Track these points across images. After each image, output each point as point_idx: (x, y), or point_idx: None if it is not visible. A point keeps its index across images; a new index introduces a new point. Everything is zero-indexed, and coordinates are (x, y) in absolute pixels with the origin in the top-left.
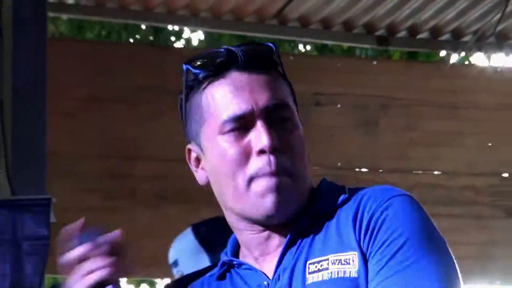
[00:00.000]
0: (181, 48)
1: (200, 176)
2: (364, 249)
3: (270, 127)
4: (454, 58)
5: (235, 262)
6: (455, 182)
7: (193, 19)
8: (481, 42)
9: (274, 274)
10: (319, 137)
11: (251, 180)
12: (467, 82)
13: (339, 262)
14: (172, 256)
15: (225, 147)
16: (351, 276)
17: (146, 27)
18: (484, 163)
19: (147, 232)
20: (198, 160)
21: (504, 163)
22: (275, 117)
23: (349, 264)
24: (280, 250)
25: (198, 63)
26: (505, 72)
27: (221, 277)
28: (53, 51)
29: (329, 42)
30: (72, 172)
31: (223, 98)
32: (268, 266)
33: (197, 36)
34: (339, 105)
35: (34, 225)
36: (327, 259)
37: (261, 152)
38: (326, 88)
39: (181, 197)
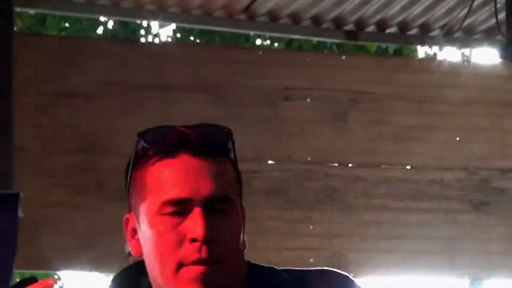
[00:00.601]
0: (149, 42)
1: (134, 247)
2: None
3: (208, 216)
4: (422, 53)
5: None
6: (423, 176)
7: (161, 14)
8: (449, 37)
9: None
10: (289, 131)
11: (179, 266)
12: (435, 77)
13: None
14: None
15: (160, 229)
16: None
17: (114, 21)
18: (452, 158)
19: (116, 227)
20: (134, 231)
21: (472, 158)
22: (215, 208)
23: None
24: None
25: (151, 138)
26: (473, 67)
27: None
28: (20, 46)
29: (298, 37)
30: (40, 167)
31: (167, 179)
32: None
33: (165, 32)
34: (308, 100)
35: (1, 220)
36: None
37: (194, 240)
38: (295, 83)
39: None
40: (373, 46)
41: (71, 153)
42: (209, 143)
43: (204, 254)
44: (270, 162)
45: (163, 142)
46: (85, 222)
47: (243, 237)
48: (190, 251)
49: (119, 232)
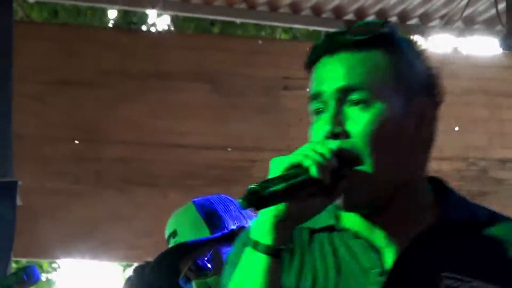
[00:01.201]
0: (148, 31)
1: None
2: None
3: (339, 109)
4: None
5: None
6: None
7: (161, 3)
8: (449, 27)
9: (394, 268)
10: (287, 120)
11: None
12: (435, 67)
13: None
14: (170, 227)
15: (310, 129)
16: None
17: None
18: (451, 148)
19: (114, 215)
20: None
21: (471, 148)
22: (350, 99)
23: None
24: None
25: (319, 41)
26: (472, 57)
27: (324, 230)
28: (21, 34)
29: (298, 26)
30: (39, 155)
31: (314, 75)
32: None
33: (164, 21)
34: (307, 90)
35: (0, 208)
36: (470, 282)
37: (325, 135)
38: (294, 73)
39: (147, 181)
40: None
41: (69, 142)
42: (360, 36)
43: (335, 146)
44: (269, 151)
45: (323, 43)
46: (83, 211)
47: (399, 130)
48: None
49: (117, 220)
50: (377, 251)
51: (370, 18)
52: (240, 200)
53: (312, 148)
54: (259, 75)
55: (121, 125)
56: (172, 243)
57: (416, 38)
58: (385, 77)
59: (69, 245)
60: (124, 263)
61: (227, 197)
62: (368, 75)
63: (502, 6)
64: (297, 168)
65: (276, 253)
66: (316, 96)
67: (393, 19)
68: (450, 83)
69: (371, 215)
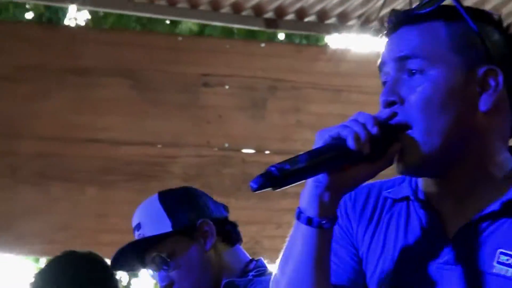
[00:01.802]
0: (68, 26)
1: None
2: None
3: (396, 78)
4: (340, 42)
5: (419, 202)
6: None
7: None
8: (366, 26)
9: (448, 239)
10: (207, 117)
11: None
12: (351, 66)
13: None
14: (135, 219)
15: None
16: None
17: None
18: None
19: (30, 210)
20: None
21: None
22: (408, 68)
23: None
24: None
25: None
26: None
27: (400, 200)
28: None
29: (218, 24)
30: None
31: (383, 49)
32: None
33: (83, 16)
34: (227, 86)
35: None
36: None
37: (384, 106)
38: (214, 69)
39: (65, 176)
40: (287, 34)
41: None
42: (411, 13)
43: (384, 115)
44: (188, 147)
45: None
46: None
47: (459, 99)
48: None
49: (33, 215)
50: (443, 221)
51: (289, 16)
52: (252, 182)
53: (355, 118)
54: (178, 71)
55: (38, 120)
56: (136, 235)
57: (335, 37)
58: (443, 46)
59: None
60: (39, 257)
61: (194, 188)
62: (425, 45)
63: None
64: (338, 139)
65: (318, 224)
66: (380, 69)
67: (312, 18)
68: (367, 82)
69: (443, 184)
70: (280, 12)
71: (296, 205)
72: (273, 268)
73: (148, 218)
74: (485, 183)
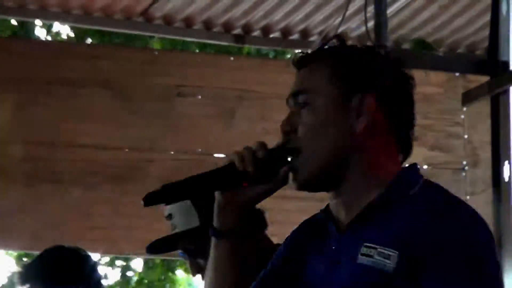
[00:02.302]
0: (50, 41)
1: None
2: (409, 255)
3: (292, 110)
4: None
5: (324, 215)
6: None
7: (64, 16)
8: (326, 42)
9: (338, 241)
10: (181, 125)
11: None
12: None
13: (382, 255)
14: (168, 209)
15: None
16: (388, 271)
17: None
18: None
19: (20, 209)
20: None
21: None
22: (297, 101)
23: (389, 260)
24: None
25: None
26: None
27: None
28: None
29: (191, 39)
30: None
31: None
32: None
33: (65, 30)
34: (199, 97)
35: None
36: (376, 248)
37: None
38: (187, 81)
39: (51, 178)
40: (254, 49)
41: None
42: (299, 59)
43: (279, 141)
44: (164, 152)
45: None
46: None
47: (340, 123)
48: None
49: (23, 213)
50: (339, 227)
51: (256, 33)
52: (143, 200)
53: (247, 146)
54: (155, 83)
55: (26, 126)
56: (171, 225)
57: (298, 52)
58: (324, 81)
59: None
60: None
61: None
62: (311, 81)
63: (371, 24)
64: (229, 163)
65: (222, 235)
66: (287, 103)
67: (276, 34)
68: None
69: (336, 196)
70: (248, 28)
71: (272, 204)
72: None
73: (179, 211)
74: (368, 192)
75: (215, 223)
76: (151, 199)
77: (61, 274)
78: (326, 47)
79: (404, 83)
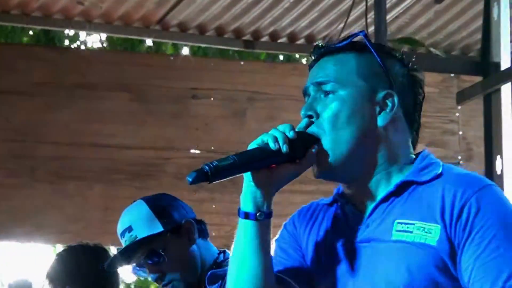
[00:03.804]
0: (76, 48)
1: None
2: (451, 226)
3: (313, 97)
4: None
5: (342, 200)
6: None
7: (88, 25)
8: (349, 36)
9: (363, 223)
10: (196, 125)
11: None
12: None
13: (423, 229)
14: (124, 223)
15: None
16: (430, 244)
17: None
18: None
19: (47, 204)
20: None
21: None
22: (323, 90)
23: (431, 234)
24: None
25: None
26: None
27: (331, 204)
28: None
29: (204, 45)
30: None
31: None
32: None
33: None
34: (212, 98)
35: None
36: (414, 224)
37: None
38: (201, 84)
39: (76, 175)
40: (263, 54)
41: (6, 142)
42: (323, 48)
43: (301, 124)
44: (180, 150)
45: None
46: (20, 200)
47: (365, 115)
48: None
49: (50, 208)
50: (361, 210)
51: (265, 38)
52: (188, 176)
53: (276, 127)
54: (171, 86)
55: (52, 128)
56: (127, 237)
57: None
58: (352, 73)
59: (6, 230)
60: (55, 245)
61: (169, 195)
62: (337, 71)
63: (371, 29)
64: (262, 144)
65: (254, 217)
66: (304, 93)
67: (284, 39)
68: None
69: (357, 186)
70: (257, 34)
71: (280, 198)
72: None
73: (139, 221)
74: (388, 181)
75: (244, 205)
76: (196, 178)
77: (82, 273)
78: (355, 39)
79: (417, 85)
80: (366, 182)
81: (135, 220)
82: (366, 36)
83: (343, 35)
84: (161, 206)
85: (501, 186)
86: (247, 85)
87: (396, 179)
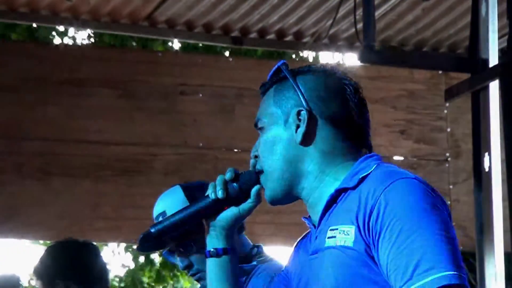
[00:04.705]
0: (63, 44)
1: None
2: (364, 226)
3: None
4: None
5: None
6: None
7: (75, 21)
8: (318, 43)
9: (315, 235)
10: (184, 121)
11: None
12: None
13: (343, 232)
14: (159, 207)
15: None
16: (349, 246)
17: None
18: None
19: (34, 201)
20: None
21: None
22: (259, 129)
23: (349, 235)
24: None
25: None
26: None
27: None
28: None
29: (192, 42)
30: None
31: None
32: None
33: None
34: (200, 95)
35: None
36: (337, 228)
37: None
38: (189, 80)
39: (63, 172)
40: (257, 51)
41: None
42: (261, 89)
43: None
44: (167, 147)
45: None
46: (6, 197)
47: (287, 147)
48: None
49: (37, 205)
50: (315, 223)
51: (253, 35)
52: (137, 248)
53: (221, 175)
54: (159, 82)
55: (39, 124)
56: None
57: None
58: (271, 104)
59: None
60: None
61: (205, 182)
62: (261, 108)
63: (360, 26)
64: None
65: (211, 254)
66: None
67: (271, 36)
68: None
69: (305, 201)
70: (245, 31)
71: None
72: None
73: (173, 208)
74: (325, 191)
75: (207, 246)
76: (143, 247)
77: (70, 268)
78: (270, 75)
79: (345, 91)
80: (308, 197)
81: (169, 206)
82: (284, 64)
83: (331, 32)
84: (197, 192)
85: (489, 183)
86: (235, 82)
87: (332, 188)
